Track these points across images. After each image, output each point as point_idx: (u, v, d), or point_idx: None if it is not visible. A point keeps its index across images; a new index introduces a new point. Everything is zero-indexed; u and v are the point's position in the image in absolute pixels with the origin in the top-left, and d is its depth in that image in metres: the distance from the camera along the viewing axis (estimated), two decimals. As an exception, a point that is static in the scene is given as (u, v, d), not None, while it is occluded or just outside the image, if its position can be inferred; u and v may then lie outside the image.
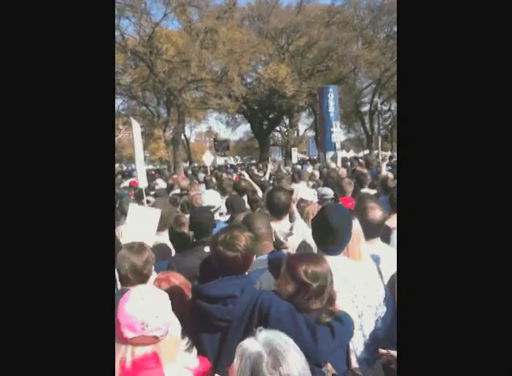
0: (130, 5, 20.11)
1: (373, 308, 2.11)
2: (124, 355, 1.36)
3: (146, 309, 1.41)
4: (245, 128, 36.02)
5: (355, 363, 1.92)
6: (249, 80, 28.66)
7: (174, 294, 2.07)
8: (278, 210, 3.10)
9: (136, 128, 6.67)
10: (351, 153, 29.74)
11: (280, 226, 2.98)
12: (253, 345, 1.21)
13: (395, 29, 27.81)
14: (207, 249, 2.65)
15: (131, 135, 6.56)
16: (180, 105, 22.55)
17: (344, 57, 26.63)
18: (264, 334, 1.25)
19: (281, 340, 1.24)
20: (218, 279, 1.89)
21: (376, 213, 2.65)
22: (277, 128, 33.21)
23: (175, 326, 1.52)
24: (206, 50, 21.89)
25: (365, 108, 32.85)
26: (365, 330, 2.09)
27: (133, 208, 3.62)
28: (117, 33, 21.07)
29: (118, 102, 26.14)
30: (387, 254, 2.55)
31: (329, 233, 2.14)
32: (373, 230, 2.61)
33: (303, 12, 26.75)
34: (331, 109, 18.57)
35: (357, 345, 2.06)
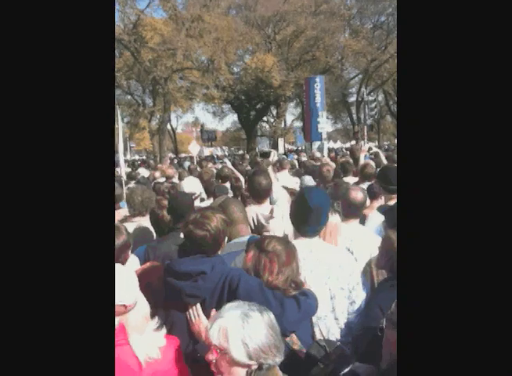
0: (114, -9, 19.72)
1: (346, 291, 2.14)
2: None
3: None
4: (232, 118, 35.80)
5: (319, 335, 1.98)
6: (236, 69, 28.50)
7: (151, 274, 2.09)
8: (259, 194, 3.15)
9: (119, 115, 6.70)
10: (339, 144, 29.89)
11: (261, 210, 3.02)
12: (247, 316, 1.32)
13: (382, 19, 27.97)
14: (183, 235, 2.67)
15: (115, 124, 6.61)
16: (166, 94, 22.33)
17: (331, 47, 26.59)
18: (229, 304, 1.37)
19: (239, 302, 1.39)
20: (189, 256, 1.92)
21: (357, 194, 2.80)
22: (264, 119, 33.14)
23: (144, 303, 1.54)
24: (192, 39, 21.65)
25: (352, 99, 32.94)
26: (338, 312, 2.12)
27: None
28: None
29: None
30: (363, 236, 2.65)
31: (307, 213, 2.17)
32: (353, 211, 2.74)
33: (290, 0, 26.58)
34: (318, 99, 18.59)
35: (329, 326, 2.10)
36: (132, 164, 16.60)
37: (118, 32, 21.15)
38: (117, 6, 21.02)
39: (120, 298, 1.42)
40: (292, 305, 1.82)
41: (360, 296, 2.16)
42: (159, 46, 21.88)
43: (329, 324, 2.09)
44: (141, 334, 1.45)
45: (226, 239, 2.08)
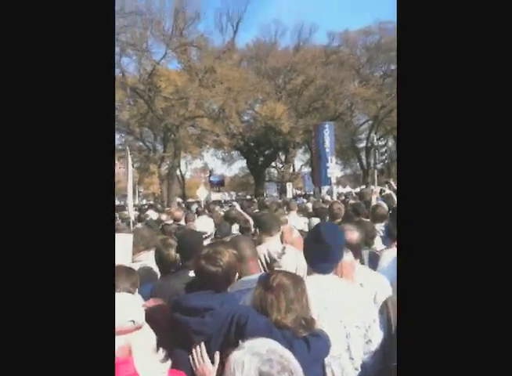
0: (132, 43, 20.79)
1: (362, 329, 2.04)
2: None
3: (119, 301, 1.43)
4: (241, 164, 36.36)
5: None
6: (246, 118, 29.24)
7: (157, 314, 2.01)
8: (268, 226, 3.18)
9: (130, 161, 6.94)
10: (348, 189, 29.87)
11: (273, 241, 3.01)
12: (251, 352, 1.18)
13: (392, 67, 28.77)
14: (191, 273, 2.60)
15: (126, 167, 6.82)
16: (177, 140, 22.88)
17: (341, 95, 27.30)
18: (252, 343, 1.24)
19: (276, 345, 1.25)
20: (197, 292, 1.86)
21: (353, 235, 2.76)
22: (273, 164, 33.56)
23: (150, 332, 1.52)
24: (204, 88, 22.46)
25: (362, 144, 33.33)
26: (353, 352, 2.01)
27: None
28: (117, 70, 21.71)
29: (115, 137, 26.57)
30: (364, 277, 2.55)
31: (322, 250, 2.12)
32: (352, 252, 2.61)
33: (300, 52, 27.68)
34: (327, 144, 18.84)
35: (344, 366, 1.99)
36: (139, 210, 16.67)
37: (134, 81, 22.09)
38: (133, 57, 22.16)
39: (129, 315, 1.43)
40: (302, 347, 1.72)
41: (376, 335, 2.07)
42: (172, 95, 22.70)
43: (343, 364, 1.98)
44: (147, 363, 1.43)
45: (237, 275, 2.01)
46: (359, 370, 2.01)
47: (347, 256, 2.40)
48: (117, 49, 20.83)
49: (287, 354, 1.22)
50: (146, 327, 1.51)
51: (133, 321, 1.43)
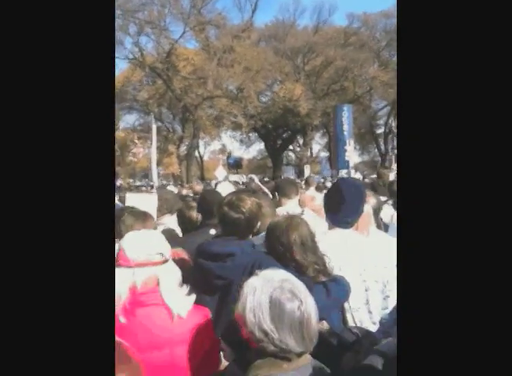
0: (150, 21, 20.72)
1: (380, 284, 2.06)
2: (131, 281, 1.42)
3: (145, 234, 1.53)
4: (259, 146, 36.18)
5: (351, 322, 1.92)
6: (264, 99, 29.01)
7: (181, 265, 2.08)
8: (286, 189, 3.25)
9: (154, 129, 7.17)
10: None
11: (291, 204, 3.07)
12: (264, 279, 1.22)
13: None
14: (212, 231, 2.66)
15: (150, 135, 7.06)
16: (195, 121, 22.91)
17: (360, 78, 26.86)
18: (267, 272, 1.27)
19: (289, 276, 1.29)
20: (220, 238, 1.92)
21: (370, 200, 2.69)
22: (290, 148, 33.37)
23: (176, 267, 1.56)
24: (222, 68, 22.35)
25: (380, 130, 32.85)
26: (372, 306, 2.04)
27: (130, 196, 3.70)
28: (135, 49, 21.77)
29: (134, 117, 26.70)
30: (382, 240, 2.51)
31: (342, 205, 2.13)
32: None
33: (319, 32, 27.20)
34: (345, 127, 18.65)
35: (362, 320, 2.03)
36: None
37: (152, 60, 22.10)
38: (151, 36, 22.14)
39: (157, 248, 1.48)
40: (321, 291, 1.76)
41: (394, 291, 2.04)
42: (190, 75, 22.66)
43: (362, 317, 2.02)
44: (174, 294, 1.48)
45: (259, 224, 2.04)
46: (377, 324, 2.02)
47: (365, 208, 2.35)
48: (134, 28, 20.85)
49: (299, 284, 1.26)
50: (172, 263, 1.55)
51: (161, 254, 1.48)
